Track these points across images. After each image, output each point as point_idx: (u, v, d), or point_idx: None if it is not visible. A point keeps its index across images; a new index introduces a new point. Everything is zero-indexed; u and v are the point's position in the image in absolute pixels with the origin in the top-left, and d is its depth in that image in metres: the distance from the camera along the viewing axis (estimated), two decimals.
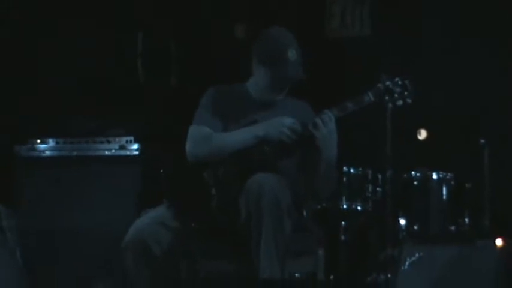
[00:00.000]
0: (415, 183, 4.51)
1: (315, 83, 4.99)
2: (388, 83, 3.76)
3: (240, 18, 5.48)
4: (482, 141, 4.45)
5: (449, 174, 4.52)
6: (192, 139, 3.70)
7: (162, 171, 3.72)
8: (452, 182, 4.50)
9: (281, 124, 3.67)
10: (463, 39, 5.17)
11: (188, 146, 3.70)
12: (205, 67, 5.31)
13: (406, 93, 3.77)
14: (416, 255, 3.83)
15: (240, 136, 3.69)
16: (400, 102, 3.77)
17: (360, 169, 4.50)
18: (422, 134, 4.60)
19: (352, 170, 4.48)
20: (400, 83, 3.77)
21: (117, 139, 4.84)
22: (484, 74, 5.08)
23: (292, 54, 3.74)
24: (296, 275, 3.83)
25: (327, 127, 3.64)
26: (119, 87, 5.18)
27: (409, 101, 3.78)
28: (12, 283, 4.03)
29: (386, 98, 3.76)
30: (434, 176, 4.51)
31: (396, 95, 3.76)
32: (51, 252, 4.70)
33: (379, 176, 4.50)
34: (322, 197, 3.90)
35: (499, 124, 4.93)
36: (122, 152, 4.84)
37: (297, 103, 3.87)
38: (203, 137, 3.69)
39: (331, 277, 4.45)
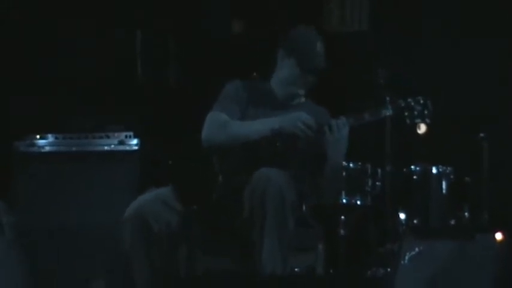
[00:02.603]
0: (415, 177, 4.50)
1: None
2: (409, 99, 3.77)
3: (238, 15, 5.48)
4: (482, 135, 4.46)
5: (448, 168, 4.51)
6: (208, 125, 3.73)
7: (169, 160, 3.70)
8: (452, 177, 4.50)
9: (297, 118, 3.68)
10: (462, 34, 5.17)
11: (204, 132, 3.72)
12: (204, 64, 5.31)
13: (426, 112, 3.79)
14: (416, 249, 3.82)
15: (256, 127, 3.70)
16: (418, 120, 3.79)
17: (360, 164, 4.48)
18: (422, 129, 4.60)
19: (351, 165, 4.47)
20: (422, 101, 3.80)
21: (116, 134, 4.84)
22: (483, 68, 5.08)
23: (320, 46, 3.82)
24: (296, 269, 3.83)
25: (340, 132, 3.68)
26: (118, 84, 5.17)
27: (428, 121, 3.79)
28: (11, 280, 4.03)
29: (406, 114, 3.77)
30: (434, 171, 4.50)
31: (416, 113, 3.78)
32: (50, 248, 4.70)
33: (379, 171, 4.49)
34: (325, 196, 3.91)
35: (498, 118, 4.93)
36: (121, 147, 4.84)
37: (316, 108, 3.90)
38: (220, 124, 3.71)
39: (331, 272, 4.45)
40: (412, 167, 4.51)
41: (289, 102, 3.86)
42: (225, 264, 3.66)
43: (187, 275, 3.63)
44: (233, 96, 3.78)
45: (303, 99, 3.88)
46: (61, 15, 5.23)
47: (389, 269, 3.92)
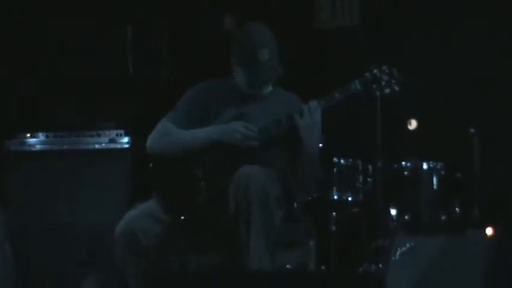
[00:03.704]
0: (406, 173, 4.51)
1: (304, 74, 5.02)
2: (375, 71, 3.75)
3: (229, 11, 5.47)
4: (472, 130, 4.46)
5: (439, 164, 4.53)
6: (153, 133, 3.79)
7: (150, 165, 3.73)
8: (443, 172, 4.51)
9: (234, 130, 3.67)
10: (453, 28, 5.18)
11: (149, 140, 3.79)
12: (195, 61, 5.30)
13: (393, 81, 3.76)
14: (407, 245, 3.82)
15: (196, 136, 3.72)
16: (387, 90, 3.76)
17: (350, 160, 4.49)
18: (413, 124, 4.60)
19: (342, 161, 4.48)
20: (387, 71, 3.76)
21: (107, 132, 4.83)
22: (474, 62, 5.08)
23: (263, 55, 3.72)
24: (287, 266, 3.83)
25: (312, 117, 3.63)
26: (109, 81, 5.16)
27: (396, 88, 3.76)
28: (3, 278, 4.02)
29: (374, 86, 3.75)
30: (425, 166, 4.52)
31: (383, 83, 3.75)
32: (42, 247, 4.69)
33: (370, 167, 4.50)
34: (307, 188, 3.90)
35: (488, 113, 4.93)
36: (112, 146, 4.83)
37: (286, 95, 3.87)
38: (163, 132, 3.76)
39: (322, 268, 4.46)
40: (403, 162, 4.53)
41: (256, 94, 3.83)
42: (215, 261, 3.67)
43: (178, 271, 3.64)
44: (189, 102, 3.79)
45: (270, 88, 3.85)
46: (52, 13, 5.22)
47: (380, 265, 3.92)
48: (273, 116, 3.72)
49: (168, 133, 3.75)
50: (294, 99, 3.86)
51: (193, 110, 3.78)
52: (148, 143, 3.78)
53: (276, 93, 3.86)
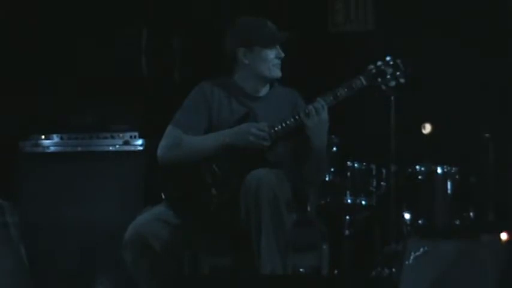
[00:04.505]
0: (420, 177, 4.49)
1: (318, 77, 5.01)
2: (379, 63, 3.69)
3: (241, 13, 5.47)
4: (487, 135, 4.44)
5: (453, 168, 4.51)
6: (164, 144, 3.73)
7: (161, 169, 3.71)
8: (457, 176, 4.49)
9: (247, 132, 3.64)
10: (467, 33, 5.16)
11: (159, 150, 3.73)
12: (209, 61, 5.30)
13: (398, 73, 3.68)
14: (421, 249, 3.80)
15: (208, 142, 3.68)
16: (393, 83, 3.68)
17: (364, 164, 4.48)
18: (427, 128, 4.59)
19: (356, 165, 4.47)
20: (391, 62, 3.69)
21: (121, 134, 4.83)
22: (489, 67, 5.06)
23: (269, 22, 3.78)
24: (300, 269, 3.83)
25: (319, 115, 3.60)
26: (123, 82, 5.17)
27: (402, 81, 3.68)
28: (16, 279, 4.03)
29: (379, 80, 3.68)
30: (439, 170, 4.50)
31: (388, 76, 3.67)
32: (55, 247, 4.70)
33: (384, 171, 4.48)
34: (312, 185, 3.87)
35: (503, 118, 4.91)
36: (126, 148, 4.84)
37: (285, 91, 3.85)
38: (174, 143, 3.70)
39: (336, 272, 4.45)
40: (417, 167, 4.51)
41: (257, 94, 3.82)
42: (226, 264, 3.66)
43: (189, 274, 3.64)
44: (194, 105, 3.77)
45: (267, 89, 3.84)
46: (64, 14, 5.23)
47: (394, 269, 3.91)
48: (278, 114, 3.71)
49: (179, 143, 3.70)
50: (293, 94, 3.85)
51: (199, 112, 3.75)
52: (159, 154, 3.72)
53: (276, 91, 3.84)
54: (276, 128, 3.64)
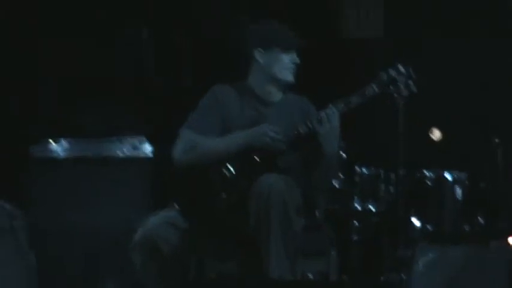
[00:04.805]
0: (429, 183, 4.48)
1: (329, 84, 5.01)
2: (391, 71, 3.70)
3: (253, 18, 5.47)
4: (497, 140, 4.43)
5: (463, 174, 4.49)
6: (179, 147, 3.73)
7: (170, 173, 3.72)
8: (466, 182, 4.48)
9: (264, 133, 3.65)
10: (477, 39, 5.15)
11: (175, 153, 3.73)
12: (218, 66, 5.31)
13: (410, 81, 3.69)
14: (430, 255, 3.79)
15: (224, 145, 3.69)
16: (405, 92, 3.70)
17: (373, 169, 4.48)
18: (436, 134, 4.57)
19: (364, 170, 4.47)
20: (403, 71, 3.70)
21: (129, 140, 4.84)
22: (498, 72, 5.05)
23: (301, 41, 3.79)
24: (309, 275, 3.82)
25: (330, 122, 3.61)
26: (131, 88, 5.18)
27: (414, 90, 3.69)
28: (25, 285, 4.03)
29: (391, 88, 3.69)
30: (448, 176, 4.48)
31: (401, 84, 3.68)
32: (63, 252, 4.70)
33: (392, 176, 4.47)
34: (321, 191, 3.88)
35: None
36: (135, 153, 4.84)
37: (297, 98, 3.86)
38: (189, 145, 3.71)
39: (344, 277, 4.43)
40: (426, 172, 4.50)
41: (270, 99, 3.83)
42: (235, 269, 3.65)
43: (197, 279, 3.63)
44: (208, 107, 3.78)
45: (280, 95, 3.85)
46: (70, 15, 5.24)
47: (403, 275, 3.89)
48: (290, 120, 3.73)
49: (194, 146, 3.70)
50: (306, 102, 3.86)
51: (213, 114, 3.76)
52: (175, 157, 3.72)
53: (287, 98, 3.86)
54: (291, 132, 3.66)
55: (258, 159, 3.65)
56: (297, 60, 3.80)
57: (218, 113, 3.77)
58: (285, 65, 3.78)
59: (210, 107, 3.78)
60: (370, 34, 5.55)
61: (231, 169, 3.66)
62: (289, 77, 3.79)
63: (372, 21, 5.56)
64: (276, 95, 3.84)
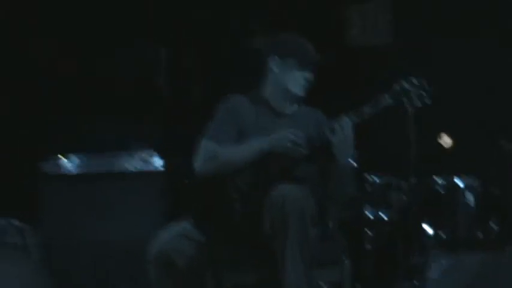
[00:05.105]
0: (440, 190, 4.47)
1: (336, 91, 5.01)
2: (404, 83, 3.70)
3: (259, 29, 5.49)
4: (507, 144, 4.41)
5: (475, 180, 4.48)
6: (200, 157, 3.73)
7: (186, 182, 3.73)
8: (479, 188, 4.46)
9: (285, 138, 3.65)
10: (485, 44, 5.14)
11: (196, 163, 3.73)
12: (227, 79, 5.32)
13: (424, 93, 3.69)
14: (444, 262, 3.78)
15: (245, 151, 3.68)
16: (418, 103, 3.70)
17: (384, 177, 4.47)
18: (445, 140, 4.56)
19: (375, 178, 4.46)
20: (417, 83, 3.70)
21: (140, 154, 4.84)
22: (509, 77, 5.03)
23: (309, 43, 3.80)
24: (321, 284, 3.80)
25: (344, 132, 3.61)
26: (141, 101, 5.19)
27: (427, 101, 3.69)
28: None
29: (405, 99, 3.69)
30: (460, 182, 4.47)
31: (414, 96, 3.69)
32: (75, 268, 4.70)
33: (403, 184, 4.46)
34: (338, 202, 3.87)
35: None
36: (145, 167, 4.84)
37: (311, 112, 3.87)
38: (210, 155, 3.71)
39: (357, 286, 4.42)
40: (438, 179, 4.48)
41: (284, 111, 3.83)
42: (250, 280, 3.64)
43: None
44: (224, 117, 3.78)
45: (294, 107, 3.85)
46: (84, 32, 5.26)
47: (416, 283, 3.87)
48: (305, 131, 3.70)
49: (215, 156, 3.70)
50: (318, 114, 3.86)
51: (230, 124, 3.76)
52: (197, 168, 3.72)
53: (302, 110, 3.87)
54: (314, 137, 3.66)
55: (273, 169, 3.65)
56: (311, 78, 3.81)
57: (234, 123, 3.77)
58: (298, 79, 3.79)
59: (227, 117, 3.78)
60: (377, 40, 5.55)
61: (247, 179, 3.65)
62: (300, 90, 3.80)
63: (379, 27, 5.56)
64: (290, 107, 3.84)
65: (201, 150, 3.74)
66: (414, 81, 3.69)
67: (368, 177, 4.46)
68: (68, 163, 4.89)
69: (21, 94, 5.13)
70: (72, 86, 5.21)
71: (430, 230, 4.41)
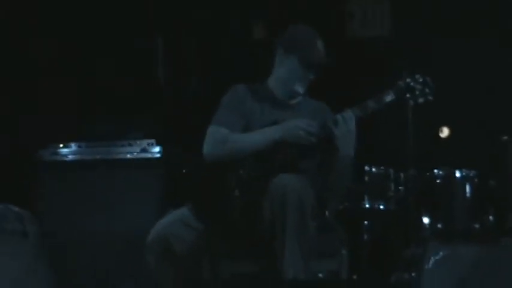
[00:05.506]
0: (438, 181, 4.48)
1: (336, 83, 5.01)
2: (408, 80, 3.72)
3: (259, 19, 5.48)
4: (506, 138, 4.43)
5: (472, 172, 4.49)
6: (209, 141, 3.73)
7: (184, 171, 3.74)
8: (476, 180, 4.48)
9: (297, 126, 3.66)
10: (483, 36, 5.15)
11: (205, 148, 3.73)
12: (225, 68, 5.31)
13: (427, 90, 3.72)
14: (441, 253, 3.79)
15: (256, 138, 3.70)
16: (421, 100, 3.73)
17: (382, 168, 4.48)
18: (445, 132, 4.58)
19: (374, 169, 4.47)
20: (420, 80, 3.72)
21: (138, 142, 4.84)
22: (506, 70, 5.04)
23: (320, 43, 3.80)
24: (319, 275, 3.82)
25: (347, 125, 3.63)
26: (140, 91, 5.19)
27: (430, 98, 3.72)
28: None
29: (408, 95, 3.72)
30: (458, 174, 4.49)
31: (417, 92, 3.72)
32: (75, 256, 4.71)
33: (402, 175, 4.48)
34: (336, 194, 3.89)
35: None
36: (144, 155, 4.84)
37: (316, 104, 3.88)
38: (220, 139, 3.71)
39: (355, 277, 4.44)
40: (436, 170, 4.50)
41: (289, 101, 3.84)
42: (248, 269, 3.66)
43: (211, 278, 3.64)
44: (231, 105, 3.79)
45: (300, 97, 3.86)
46: (83, 24, 5.25)
47: (413, 274, 3.89)
48: None
49: (225, 140, 3.71)
50: (323, 107, 3.87)
51: (237, 112, 3.77)
52: (206, 151, 3.72)
53: (306, 102, 3.88)
54: (326, 126, 3.67)
55: (275, 159, 3.66)
56: (312, 76, 3.81)
57: (241, 112, 3.78)
58: (300, 77, 3.80)
59: (234, 105, 3.79)
60: (377, 32, 5.55)
61: (248, 168, 3.67)
62: (299, 89, 3.82)
63: (379, 19, 5.56)
64: (295, 98, 3.85)
65: (211, 135, 3.74)
66: (418, 77, 3.72)
67: (366, 168, 4.47)
68: (66, 151, 4.89)
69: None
70: (71, 75, 5.21)
71: (427, 221, 4.43)
